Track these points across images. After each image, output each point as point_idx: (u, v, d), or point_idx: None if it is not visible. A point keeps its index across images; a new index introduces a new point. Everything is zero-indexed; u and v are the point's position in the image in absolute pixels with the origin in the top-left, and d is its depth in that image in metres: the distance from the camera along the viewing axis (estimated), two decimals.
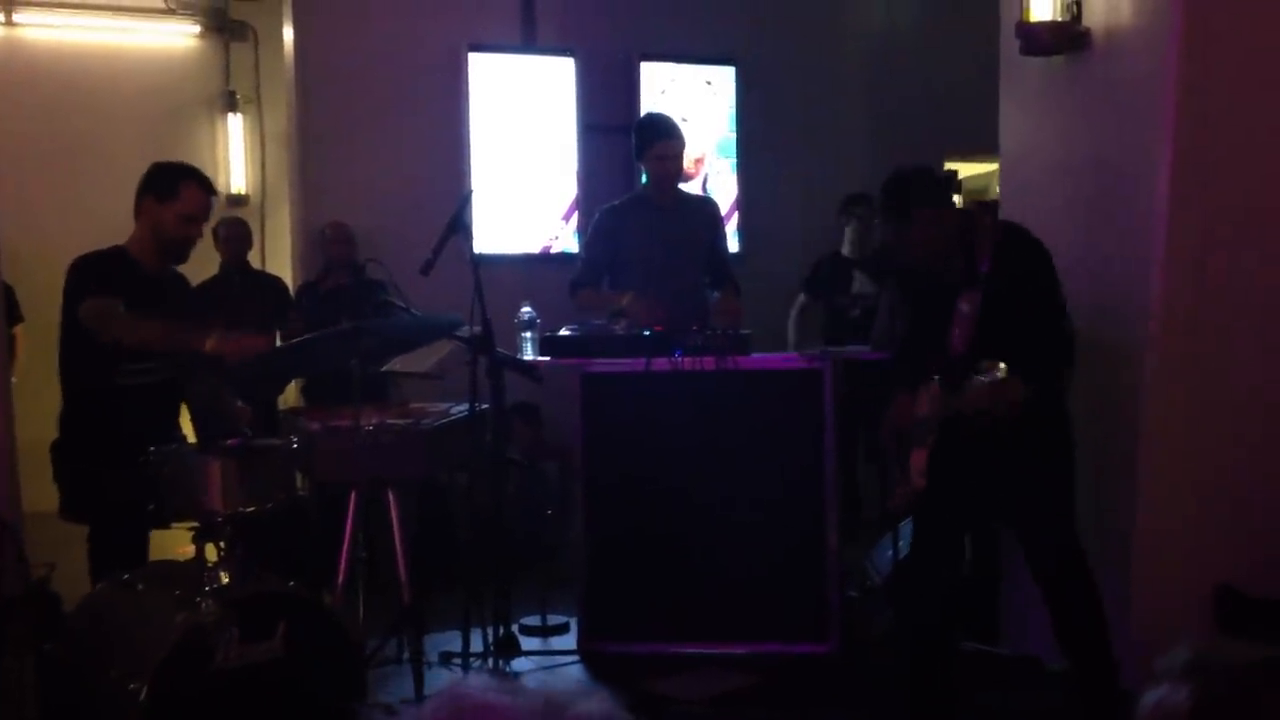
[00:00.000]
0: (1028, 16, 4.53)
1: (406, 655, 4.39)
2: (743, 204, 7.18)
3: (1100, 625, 3.81)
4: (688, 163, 6.14)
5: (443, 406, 4.70)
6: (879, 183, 7.32)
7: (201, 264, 4.47)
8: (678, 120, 5.37)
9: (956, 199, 4.06)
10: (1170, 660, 1.43)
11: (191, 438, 4.36)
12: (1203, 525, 4.29)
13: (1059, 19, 4.49)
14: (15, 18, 7.91)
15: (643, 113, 6.58)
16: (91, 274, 4.04)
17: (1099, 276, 4.08)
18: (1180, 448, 4.28)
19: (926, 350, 3.82)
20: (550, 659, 4.84)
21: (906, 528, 5.26)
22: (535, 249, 6.84)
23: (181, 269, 4.34)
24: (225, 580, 3.48)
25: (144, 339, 3.99)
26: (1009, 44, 4.73)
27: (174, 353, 4.08)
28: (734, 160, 7.24)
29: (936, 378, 3.68)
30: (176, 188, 4.07)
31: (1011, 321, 3.54)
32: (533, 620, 5.17)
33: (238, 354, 3.96)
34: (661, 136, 5.15)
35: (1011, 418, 3.36)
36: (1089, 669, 3.82)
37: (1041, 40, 4.53)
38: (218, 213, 5.63)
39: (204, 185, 4.15)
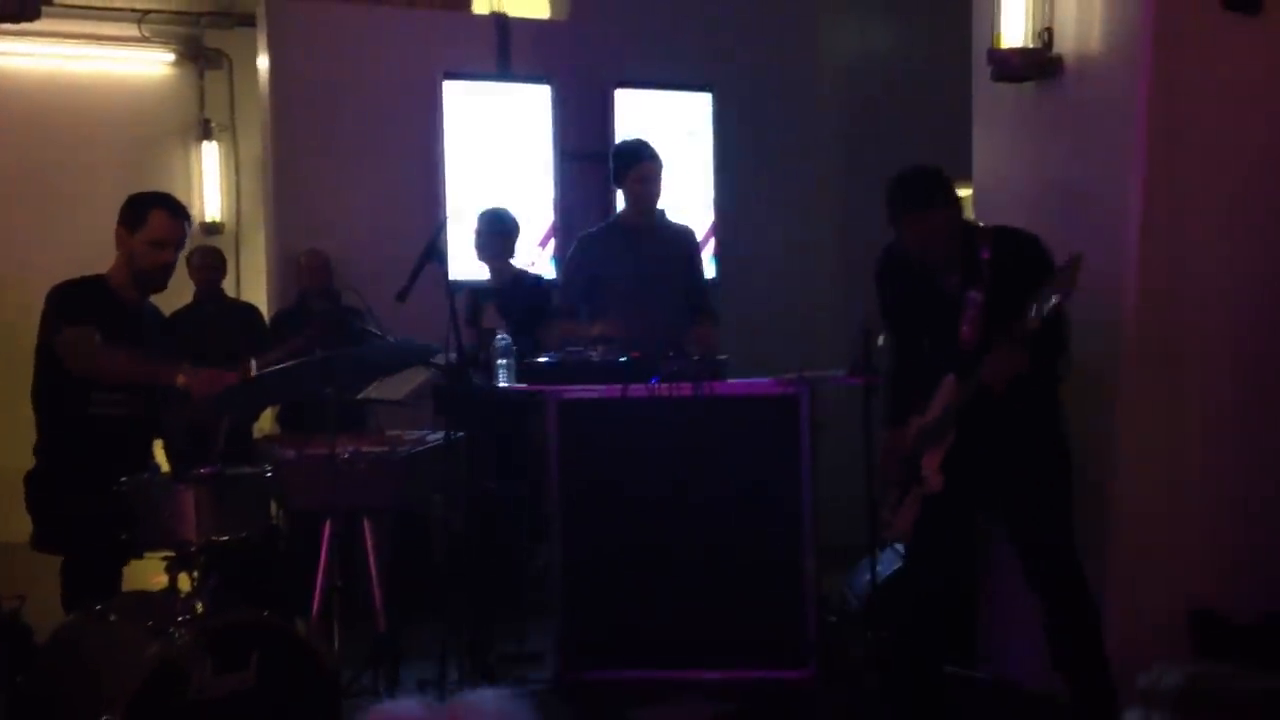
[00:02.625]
0: (999, 43, 4.56)
1: (383, 685, 4.36)
2: (719, 230, 7.19)
3: (1097, 643, 3.80)
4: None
5: (418, 434, 4.69)
6: (854, 210, 7.34)
7: (175, 292, 4.45)
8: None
9: None
10: (1155, 681, 1.40)
11: (165, 468, 4.33)
12: (1179, 547, 4.31)
13: (1030, 46, 4.53)
14: None
15: (618, 139, 6.59)
16: (70, 302, 4.02)
17: (1071, 299, 4.10)
18: (1155, 470, 4.30)
19: (916, 381, 3.86)
20: (528, 687, 4.81)
21: (884, 552, 5.28)
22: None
23: (155, 298, 4.32)
24: (199, 610, 3.45)
25: (114, 372, 3.98)
26: (981, 70, 4.77)
27: (144, 386, 4.06)
28: (711, 186, 7.24)
29: (951, 376, 3.74)
30: (145, 215, 4.07)
31: (1018, 303, 3.57)
32: (510, 648, 5.14)
33: (207, 389, 3.94)
34: (640, 160, 5.18)
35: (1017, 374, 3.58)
36: (1084, 690, 3.80)
37: (1013, 66, 4.57)
38: (192, 241, 5.61)
39: (173, 211, 4.14)
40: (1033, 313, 3.48)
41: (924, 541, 3.92)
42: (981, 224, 3.93)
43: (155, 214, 4.08)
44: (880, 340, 4.54)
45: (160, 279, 4.16)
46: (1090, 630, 3.81)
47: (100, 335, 3.97)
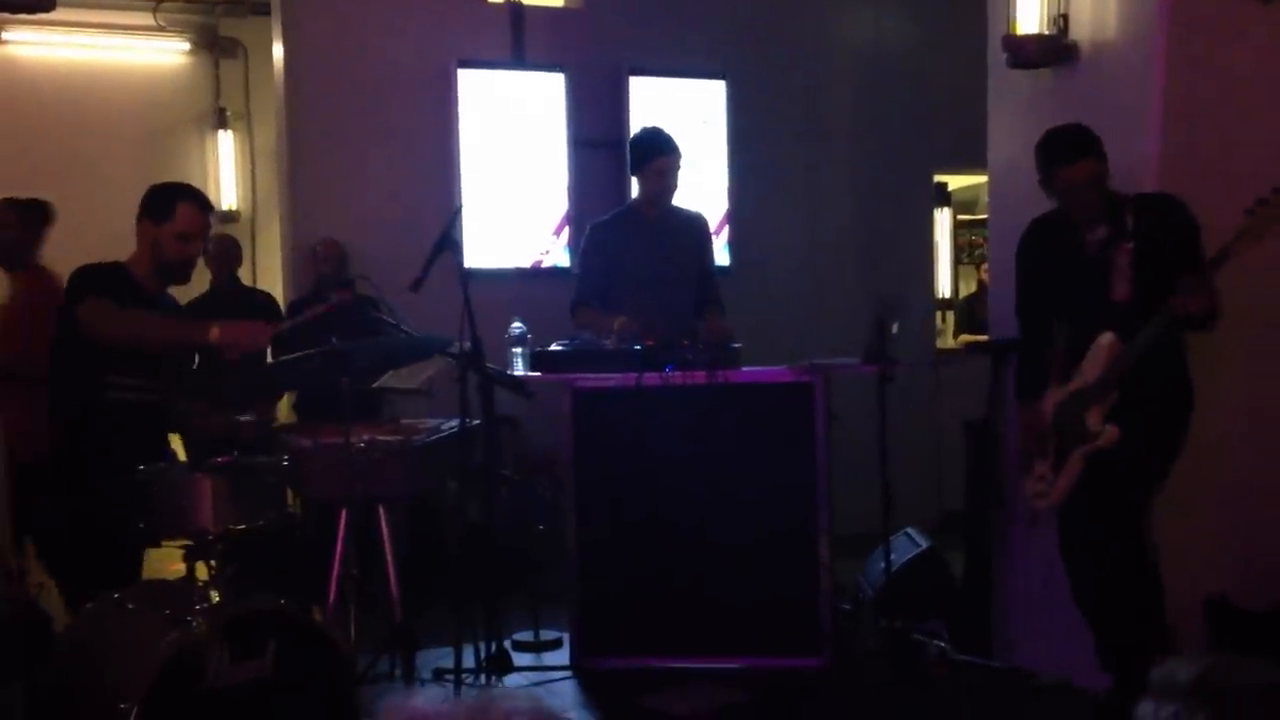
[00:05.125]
0: (1014, 30, 4.55)
1: (399, 673, 4.38)
2: (733, 217, 7.18)
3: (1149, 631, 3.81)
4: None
5: (433, 423, 4.70)
6: (869, 198, 7.29)
7: (191, 281, 4.46)
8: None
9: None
10: (1168, 674, 1.39)
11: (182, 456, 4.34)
12: (1193, 536, 4.30)
13: (1045, 32, 4.52)
14: (5, 36, 7.91)
15: (632, 127, 6.59)
16: (94, 279, 4.04)
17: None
18: None
19: (1048, 351, 3.88)
20: (543, 675, 4.83)
21: (898, 541, 5.29)
22: (526, 264, 6.84)
23: (173, 287, 4.33)
24: (216, 599, 3.47)
25: (143, 334, 3.98)
26: (996, 57, 4.75)
27: (176, 349, 4.06)
28: (725, 174, 7.23)
29: (1107, 334, 3.75)
30: (172, 208, 4.07)
31: (1166, 264, 3.63)
32: (526, 636, 5.16)
33: (242, 344, 3.94)
34: (661, 152, 5.16)
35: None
36: (1126, 676, 3.79)
37: (1028, 53, 4.55)
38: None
39: (200, 203, 4.15)
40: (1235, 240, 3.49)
41: (1081, 506, 3.91)
42: (1124, 193, 3.93)
43: (182, 207, 4.07)
44: (894, 327, 4.54)
45: (185, 272, 4.18)
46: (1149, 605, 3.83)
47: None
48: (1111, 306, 3.77)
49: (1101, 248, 3.84)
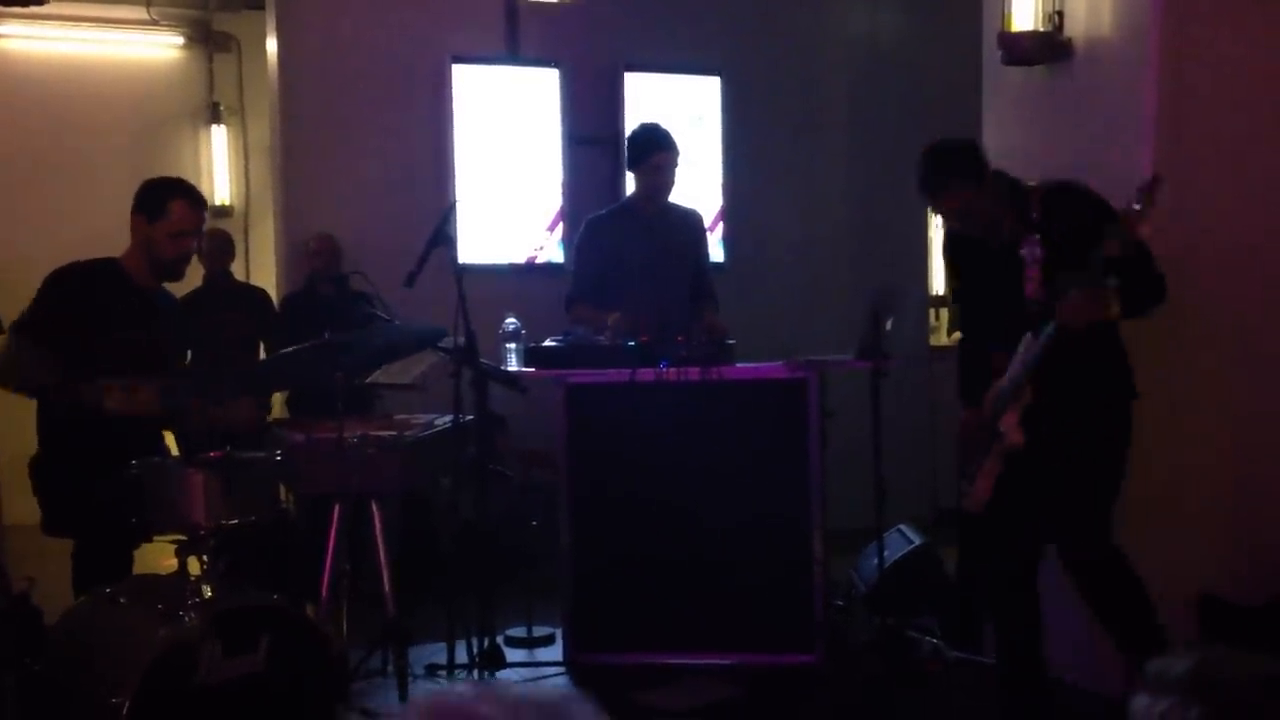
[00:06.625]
0: (1009, 26, 4.55)
1: (391, 668, 4.37)
2: (728, 214, 7.18)
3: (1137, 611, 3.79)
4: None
5: (426, 418, 4.70)
6: (864, 194, 7.30)
7: (185, 277, 4.45)
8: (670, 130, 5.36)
9: None
10: (1164, 667, 1.39)
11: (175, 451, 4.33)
12: (1186, 532, 4.30)
13: (1040, 29, 4.52)
14: None
15: (627, 123, 6.59)
16: (43, 298, 4.00)
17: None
18: (1162, 455, 4.28)
19: (989, 352, 3.80)
20: (536, 670, 4.83)
21: (892, 537, 5.29)
22: (520, 259, 6.83)
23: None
24: (208, 594, 3.46)
25: (38, 385, 3.94)
26: (991, 53, 4.75)
27: (154, 372, 4.03)
28: (720, 170, 7.22)
29: (1026, 336, 3.64)
30: (165, 205, 4.05)
31: (1076, 255, 3.51)
32: (518, 632, 5.16)
33: (135, 412, 3.88)
34: (659, 148, 5.17)
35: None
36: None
37: (1023, 50, 4.55)
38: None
39: (193, 200, 4.13)
40: (1101, 250, 3.39)
41: (1001, 510, 3.83)
42: (1031, 182, 3.82)
43: (176, 204, 4.06)
44: (888, 323, 4.54)
45: (179, 269, 4.17)
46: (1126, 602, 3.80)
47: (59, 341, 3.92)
48: (1028, 304, 3.66)
49: (1009, 244, 3.72)
